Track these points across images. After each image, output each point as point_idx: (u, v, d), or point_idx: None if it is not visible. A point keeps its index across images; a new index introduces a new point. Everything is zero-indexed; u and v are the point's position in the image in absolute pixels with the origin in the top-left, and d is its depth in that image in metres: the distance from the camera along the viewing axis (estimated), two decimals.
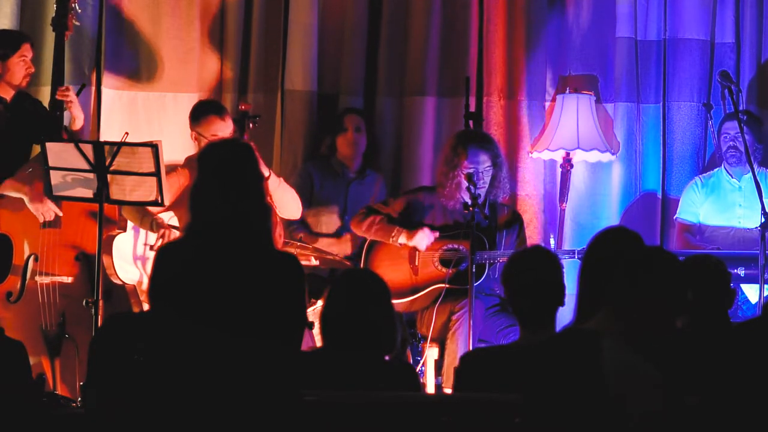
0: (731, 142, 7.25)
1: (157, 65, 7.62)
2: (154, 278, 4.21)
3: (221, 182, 4.27)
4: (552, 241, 6.97)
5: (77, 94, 6.73)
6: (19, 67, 6.66)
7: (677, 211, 7.47)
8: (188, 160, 6.89)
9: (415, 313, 6.79)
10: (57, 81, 6.61)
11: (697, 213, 7.39)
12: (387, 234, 6.77)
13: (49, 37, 7.29)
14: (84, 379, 5.39)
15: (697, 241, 7.33)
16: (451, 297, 6.61)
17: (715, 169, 7.48)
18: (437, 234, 6.73)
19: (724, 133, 7.30)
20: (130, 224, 6.73)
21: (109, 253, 6.47)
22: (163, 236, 6.47)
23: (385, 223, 6.79)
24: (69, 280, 6.37)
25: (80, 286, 6.31)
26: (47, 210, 6.36)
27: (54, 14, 6.70)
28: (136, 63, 7.62)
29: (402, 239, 6.74)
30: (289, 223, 7.16)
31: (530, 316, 4.50)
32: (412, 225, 6.78)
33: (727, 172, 7.37)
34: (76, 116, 6.65)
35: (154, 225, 6.55)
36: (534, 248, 4.82)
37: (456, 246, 6.74)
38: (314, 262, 6.84)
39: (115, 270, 6.48)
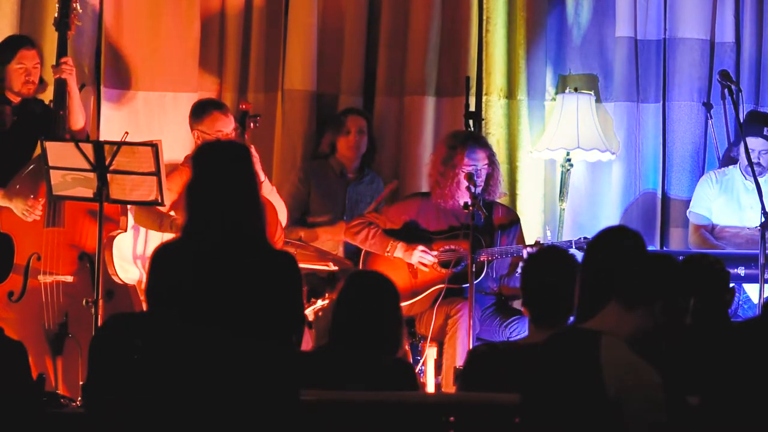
0: (756, 159, 7.19)
1: (157, 65, 7.61)
2: (150, 278, 4.23)
3: (216, 182, 4.28)
4: (548, 233, 6.97)
5: None
6: (17, 74, 6.63)
7: (690, 205, 7.41)
8: (188, 159, 6.88)
9: (415, 314, 6.79)
10: (60, 81, 6.61)
11: (711, 207, 7.34)
12: (382, 247, 6.76)
13: (49, 38, 7.30)
14: (85, 379, 5.39)
15: (715, 241, 7.27)
16: (450, 298, 6.61)
17: (730, 167, 7.42)
18: (433, 256, 6.72)
19: (749, 148, 7.24)
20: (130, 224, 6.73)
21: (110, 253, 6.47)
22: None
23: (381, 236, 6.79)
24: (71, 279, 6.37)
25: (83, 286, 6.31)
26: (28, 208, 6.33)
27: (56, 14, 6.70)
28: (136, 63, 7.61)
29: (398, 253, 6.74)
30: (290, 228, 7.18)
31: (541, 315, 4.51)
32: (408, 238, 6.76)
33: (742, 173, 7.32)
34: (74, 110, 6.63)
35: (173, 226, 6.52)
36: (557, 250, 4.83)
37: (453, 247, 6.73)
38: (333, 267, 6.81)
39: (115, 270, 6.48)
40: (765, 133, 6.97)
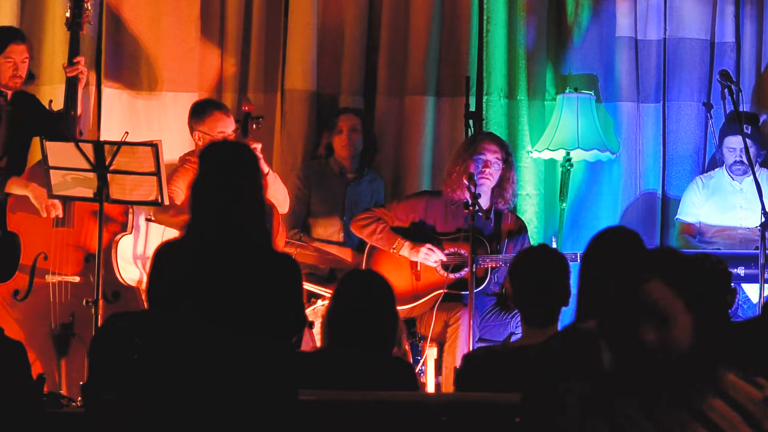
0: (738, 157, 7.24)
1: (157, 65, 7.62)
2: (152, 276, 4.23)
3: (221, 183, 4.29)
4: (554, 243, 6.97)
5: None
6: (4, 68, 6.64)
7: (678, 212, 7.48)
8: (182, 159, 6.87)
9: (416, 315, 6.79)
10: (71, 80, 6.61)
11: (698, 214, 7.39)
12: (389, 244, 6.75)
13: (49, 37, 7.32)
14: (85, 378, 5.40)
15: (697, 242, 7.33)
16: (449, 303, 6.62)
17: (716, 169, 7.48)
18: (441, 256, 6.72)
19: (728, 146, 7.29)
20: (133, 224, 6.73)
21: (115, 255, 6.47)
22: None
23: (388, 233, 6.78)
24: (77, 279, 6.37)
25: (90, 287, 6.30)
26: (51, 205, 6.34)
27: (68, 14, 6.70)
28: (137, 62, 7.62)
29: (404, 251, 6.73)
30: (289, 227, 7.17)
31: (534, 315, 4.51)
32: (415, 237, 6.77)
33: (729, 173, 7.37)
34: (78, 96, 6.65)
35: None
36: (542, 247, 4.84)
37: (457, 250, 6.73)
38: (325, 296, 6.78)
39: (119, 271, 6.48)
40: (745, 131, 6.98)
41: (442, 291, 6.65)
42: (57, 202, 6.33)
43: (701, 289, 3.00)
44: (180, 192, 6.39)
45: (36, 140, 6.65)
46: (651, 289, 2.92)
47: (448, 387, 6.43)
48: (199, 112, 6.78)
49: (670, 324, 2.91)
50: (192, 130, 6.78)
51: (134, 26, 7.60)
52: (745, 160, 7.14)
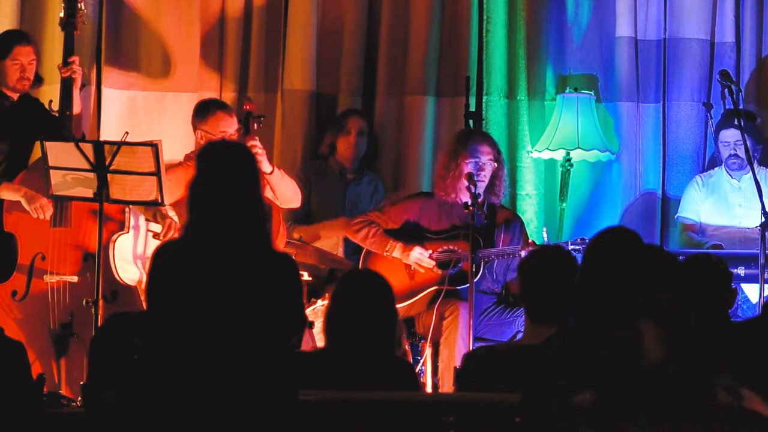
0: (732, 150, 7.26)
1: (157, 65, 7.62)
2: (151, 277, 4.23)
3: (220, 183, 4.29)
4: (545, 234, 6.98)
5: None
6: (12, 70, 6.63)
7: (679, 210, 7.49)
8: (187, 157, 6.88)
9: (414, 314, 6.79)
10: (66, 80, 6.61)
11: (699, 211, 7.41)
12: (381, 246, 6.77)
13: (49, 37, 7.32)
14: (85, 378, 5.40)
15: (699, 237, 7.34)
16: (446, 299, 6.62)
17: (716, 168, 7.50)
18: (431, 253, 6.73)
19: (722, 141, 7.32)
20: (131, 223, 6.72)
21: (112, 254, 6.47)
22: (168, 227, 6.44)
23: (381, 236, 6.79)
24: (76, 279, 6.37)
25: (88, 286, 6.30)
26: (42, 206, 6.33)
27: (62, 14, 6.69)
28: (136, 63, 7.63)
29: (396, 253, 6.74)
30: (289, 224, 7.17)
31: (539, 313, 4.52)
32: (407, 238, 6.77)
33: (727, 172, 7.39)
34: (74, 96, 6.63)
35: (158, 215, 6.53)
36: (556, 248, 4.85)
37: (452, 247, 6.73)
38: (307, 278, 6.78)
39: (117, 270, 6.48)
40: (738, 123, 7.00)
41: (437, 287, 6.65)
42: (47, 203, 6.31)
43: (675, 301, 2.97)
44: (169, 184, 6.37)
45: (36, 142, 6.66)
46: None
47: (445, 382, 6.43)
48: (203, 112, 6.78)
49: (640, 332, 2.92)
50: (195, 129, 6.79)
51: (134, 27, 7.60)
52: (740, 153, 7.16)
